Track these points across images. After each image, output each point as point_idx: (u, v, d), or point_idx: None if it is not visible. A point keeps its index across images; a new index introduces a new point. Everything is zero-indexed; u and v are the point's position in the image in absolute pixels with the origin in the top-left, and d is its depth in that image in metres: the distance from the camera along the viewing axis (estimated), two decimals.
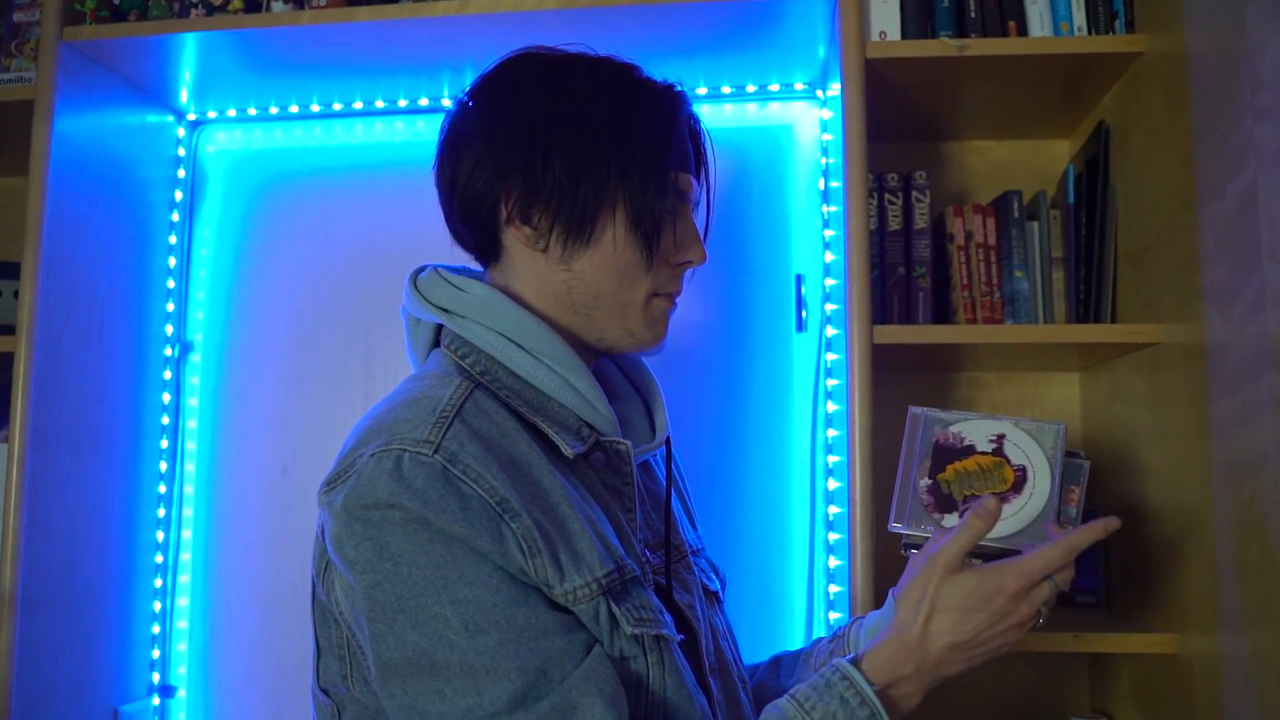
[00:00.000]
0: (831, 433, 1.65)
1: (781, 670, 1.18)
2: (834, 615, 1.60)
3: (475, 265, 1.08)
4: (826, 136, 1.77)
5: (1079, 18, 1.47)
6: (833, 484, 1.63)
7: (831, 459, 1.65)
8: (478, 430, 0.88)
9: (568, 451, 0.94)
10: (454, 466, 0.83)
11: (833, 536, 1.62)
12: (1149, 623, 1.42)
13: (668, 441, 1.11)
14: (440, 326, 1.02)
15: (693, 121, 1.05)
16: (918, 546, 1.11)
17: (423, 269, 1.06)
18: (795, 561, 1.76)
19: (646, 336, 1.03)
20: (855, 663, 0.91)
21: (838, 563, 1.59)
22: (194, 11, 1.63)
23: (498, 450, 0.88)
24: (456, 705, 0.78)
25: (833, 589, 1.61)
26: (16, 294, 1.62)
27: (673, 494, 1.10)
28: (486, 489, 0.83)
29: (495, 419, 0.91)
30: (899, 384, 1.65)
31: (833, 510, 1.63)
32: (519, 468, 0.89)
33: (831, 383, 1.66)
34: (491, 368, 0.96)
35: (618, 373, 1.13)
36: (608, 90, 1.00)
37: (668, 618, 0.93)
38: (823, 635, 1.23)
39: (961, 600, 0.91)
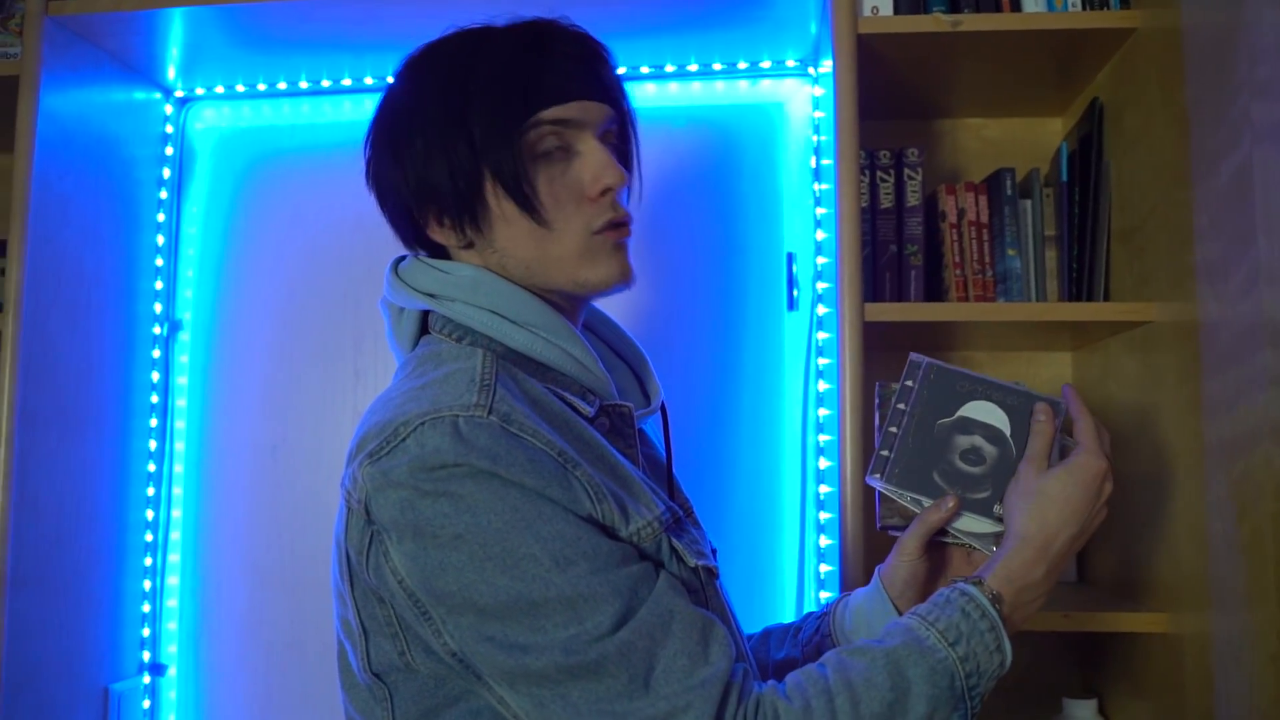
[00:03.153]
0: (823, 412, 1.65)
1: (771, 642, 1.17)
2: (824, 594, 1.59)
3: None
4: (818, 114, 1.76)
5: None
6: (824, 463, 1.63)
7: (823, 438, 1.64)
8: (518, 393, 0.89)
9: (586, 412, 0.95)
10: (510, 425, 0.84)
11: (823, 516, 1.62)
12: (1140, 602, 1.42)
13: (663, 406, 1.10)
14: (426, 313, 1.00)
15: (574, 46, 0.98)
16: (898, 524, 1.11)
17: (402, 258, 1.05)
18: (786, 540, 1.75)
19: (597, 278, 0.97)
20: (978, 582, 0.93)
21: (828, 542, 1.58)
22: None
23: (541, 408, 0.90)
24: (560, 636, 0.79)
25: (823, 568, 1.60)
26: (3, 272, 1.61)
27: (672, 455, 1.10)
28: (545, 442, 0.85)
29: (524, 384, 0.92)
30: (891, 363, 1.65)
31: (823, 489, 1.63)
32: (565, 423, 0.91)
33: (823, 361, 1.65)
34: (489, 346, 0.95)
35: (603, 346, 1.12)
36: (444, 62, 0.97)
37: (710, 549, 0.98)
38: (813, 610, 1.23)
39: (1069, 491, 0.99)
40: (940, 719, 0.84)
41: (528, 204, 0.93)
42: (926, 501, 1.07)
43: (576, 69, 0.96)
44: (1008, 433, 1.08)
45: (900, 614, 1.03)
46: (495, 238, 0.96)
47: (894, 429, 1.10)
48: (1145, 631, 1.37)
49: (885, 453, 1.10)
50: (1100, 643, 1.60)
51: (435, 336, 0.98)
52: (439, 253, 1.01)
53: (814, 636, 1.13)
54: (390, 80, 1.02)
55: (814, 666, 0.87)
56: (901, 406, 1.11)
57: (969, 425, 1.09)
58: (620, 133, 1.02)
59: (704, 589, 0.93)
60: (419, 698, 0.88)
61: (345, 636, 0.93)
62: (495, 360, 0.92)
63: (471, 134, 0.92)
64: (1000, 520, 1.04)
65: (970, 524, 1.06)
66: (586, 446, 0.91)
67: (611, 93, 0.99)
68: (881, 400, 1.14)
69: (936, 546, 1.10)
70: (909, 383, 1.12)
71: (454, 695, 0.87)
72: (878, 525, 1.15)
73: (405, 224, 1.01)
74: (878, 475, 1.10)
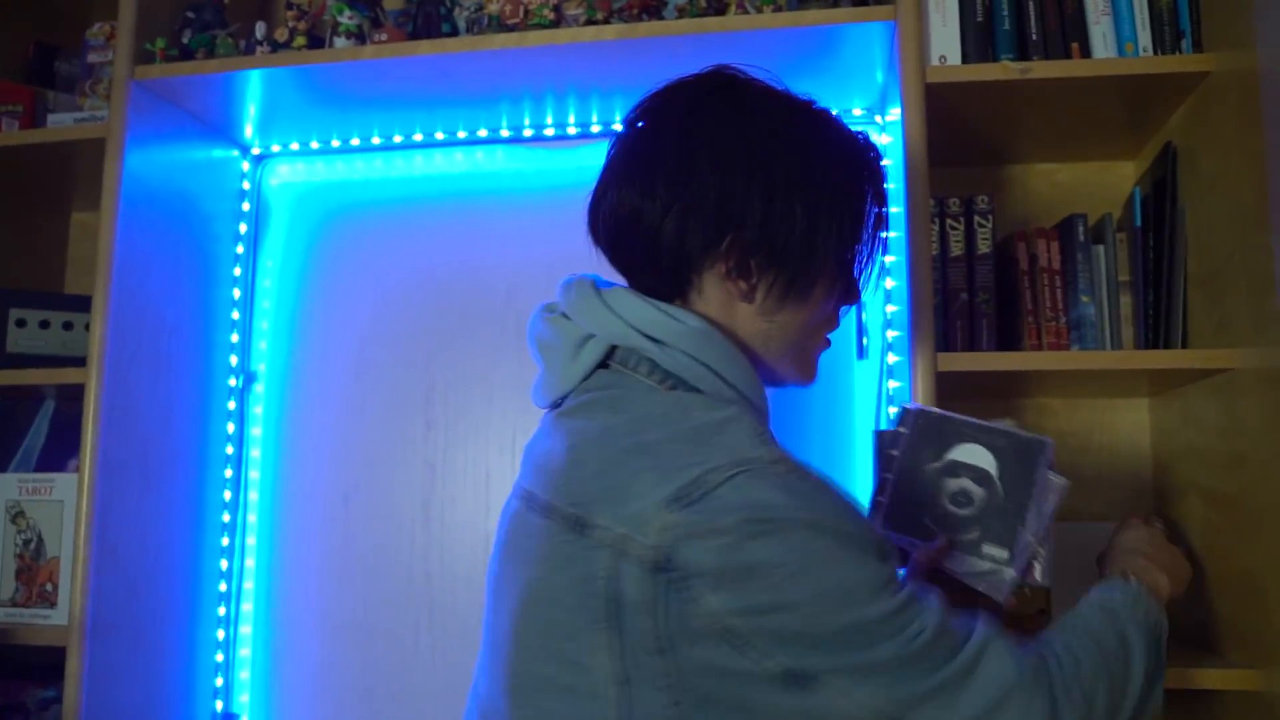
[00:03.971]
0: None
1: None
2: None
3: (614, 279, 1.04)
4: (886, 162, 1.75)
5: (1144, 38, 1.45)
6: None
7: None
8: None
9: None
10: (812, 476, 0.89)
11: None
12: (1230, 658, 1.38)
13: None
14: (611, 348, 0.98)
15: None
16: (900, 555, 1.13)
17: (594, 279, 1.01)
18: None
19: (809, 377, 1.07)
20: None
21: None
22: (259, 49, 1.66)
23: None
24: (887, 643, 0.84)
25: None
26: (87, 326, 1.65)
27: None
28: (836, 489, 0.90)
29: None
30: (964, 412, 1.63)
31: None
32: None
33: (894, 410, 1.63)
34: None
35: None
36: (831, 139, 1.01)
37: None
38: None
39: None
40: (1154, 662, 0.98)
41: (854, 298, 1.04)
42: (920, 544, 1.10)
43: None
44: (994, 474, 1.10)
45: None
46: (784, 313, 0.99)
47: (888, 475, 1.13)
48: (1234, 689, 1.32)
49: (880, 498, 1.13)
50: (1188, 700, 1.55)
51: (627, 374, 0.96)
52: (673, 291, 0.99)
53: None
54: (728, 111, 0.99)
55: (1041, 636, 0.97)
56: (894, 453, 1.13)
57: (957, 468, 1.11)
58: None
59: None
60: None
61: (564, 681, 0.88)
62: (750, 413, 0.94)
63: (858, 220, 1.00)
64: (990, 560, 1.09)
65: (961, 564, 1.09)
66: None
67: None
68: (879, 448, 1.16)
69: (942, 583, 1.10)
70: (901, 429, 1.15)
71: None
72: None
73: (683, 256, 0.97)
74: (874, 521, 1.12)
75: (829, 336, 1.07)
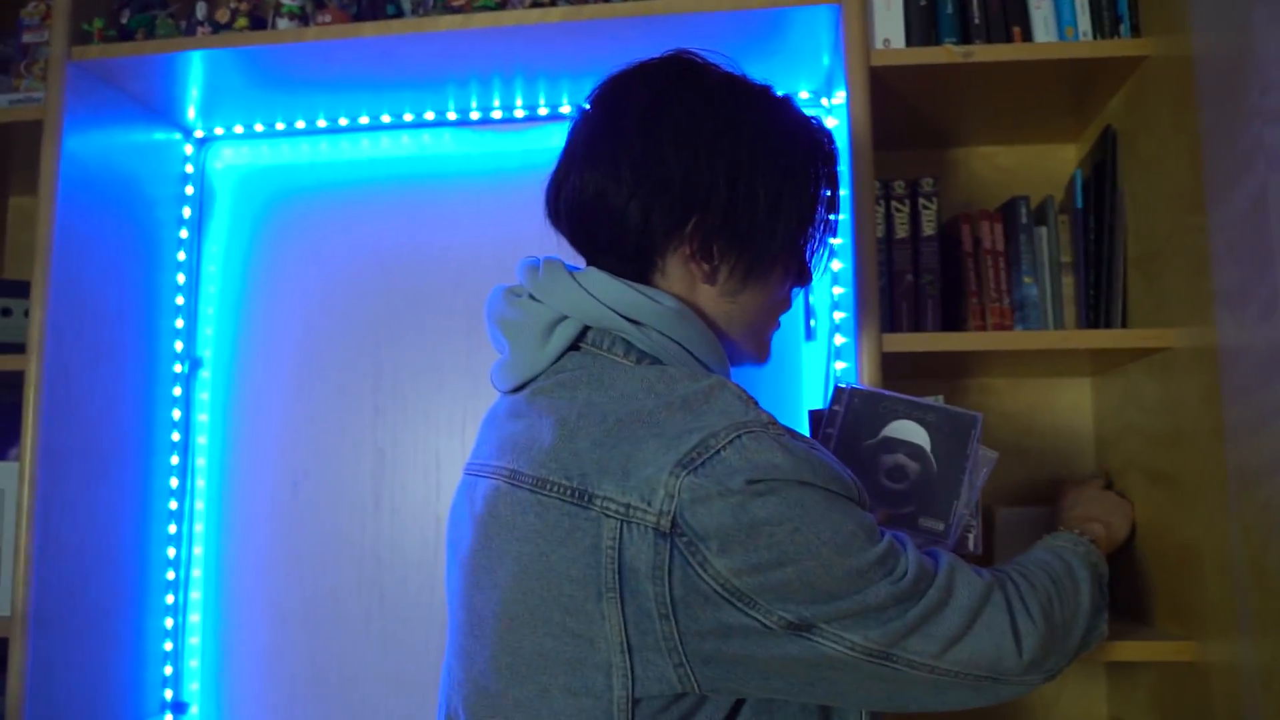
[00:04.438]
0: None
1: None
2: None
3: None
4: (837, 146, 1.76)
5: (1084, 22, 1.47)
6: None
7: None
8: None
9: None
10: (800, 437, 0.92)
11: None
12: (1167, 630, 1.41)
13: None
14: (584, 328, 0.98)
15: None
16: None
17: (561, 262, 1.01)
18: None
19: (764, 357, 1.10)
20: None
21: None
22: (200, 30, 1.63)
23: None
24: (881, 584, 0.89)
25: None
26: (27, 313, 1.62)
27: None
28: (824, 452, 0.93)
29: None
30: (909, 391, 1.65)
31: None
32: None
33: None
34: None
35: None
36: (791, 125, 1.02)
37: None
38: None
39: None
40: (1099, 595, 1.08)
41: (807, 278, 1.06)
42: None
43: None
44: (928, 448, 1.13)
45: None
46: (746, 294, 1.02)
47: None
48: (1172, 660, 1.36)
49: None
50: (1129, 671, 1.58)
51: (601, 354, 0.97)
52: (637, 272, 1.00)
53: None
54: (686, 96, 1.00)
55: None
56: (830, 431, 1.16)
57: (892, 444, 1.14)
58: None
59: None
60: (658, 716, 0.89)
61: (570, 655, 0.88)
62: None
63: (812, 207, 1.02)
64: (927, 533, 1.14)
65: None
66: None
67: None
68: (814, 428, 1.18)
69: None
70: (835, 408, 1.17)
71: (682, 713, 0.89)
72: None
73: (644, 238, 0.98)
74: None
75: (780, 318, 1.10)
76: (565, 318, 0.98)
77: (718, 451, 0.86)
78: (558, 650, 0.89)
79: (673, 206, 0.96)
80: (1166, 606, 1.42)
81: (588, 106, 1.04)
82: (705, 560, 0.85)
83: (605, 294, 0.97)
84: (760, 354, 1.09)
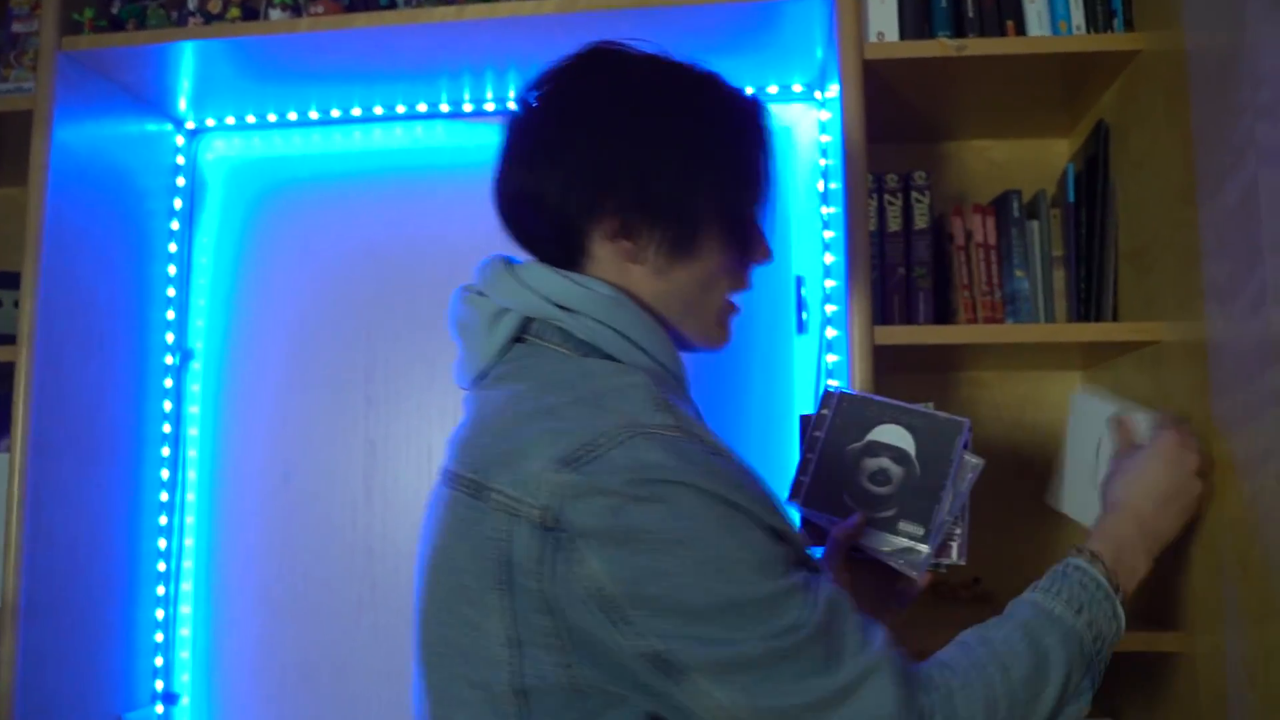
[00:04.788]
0: None
1: None
2: None
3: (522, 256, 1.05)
4: (825, 138, 1.77)
5: (1077, 16, 1.47)
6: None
7: None
8: (689, 414, 0.92)
9: None
10: (706, 445, 0.88)
11: None
12: (1157, 621, 1.42)
13: None
14: (526, 320, 0.99)
15: (772, 127, 1.07)
16: (817, 545, 1.15)
17: (505, 257, 1.03)
18: None
19: (718, 338, 1.06)
20: (1082, 552, 1.04)
21: None
22: (192, 20, 1.63)
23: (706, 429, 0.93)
24: (762, 630, 0.83)
25: None
26: (17, 304, 1.62)
27: None
28: (737, 460, 0.90)
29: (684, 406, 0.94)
30: (900, 384, 1.65)
31: None
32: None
33: (833, 384, 1.66)
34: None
35: None
36: (708, 99, 1.01)
37: None
38: None
39: (1149, 463, 1.15)
40: (1075, 682, 0.93)
41: (744, 251, 1.02)
42: (839, 521, 1.12)
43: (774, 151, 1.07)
44: (912, 453, 1.12)
45: None
46: (677, 271, 0.99)
47: (810, 455, 1.15)
48: (1162, 651, 1.36)
49: (802, 478, 1.15)
50: (1118, 662, 1.59)
51: (543, 345, 0.98)
52: (569, 259, 1.00)
53: None
54: (595, 81, 1.01)
55: (955, 644, 0.94)
56: (817, 434, 1.15)
57: (876, 448, 1.13)
58: None
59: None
60: (555, 713, 0.88)
61: (467, 646, 0.90)
62: (653, 380, 0.93)
63: (733, 169, 1.00)
64: (906, 537, 1.11)
65: (878, 540, 1.11)
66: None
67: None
68: (803, 430, 1.18)
69: (861, 564, 1.14)
70: (824, 411, 1.16)
71: (590, 711, 0.87)
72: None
73: (570, 222, 0.98)
74: (795, 498, 1.14)
75: (735, 300, 1.07)
76: (507, 311, 0.99)
77: (605, 451, 0.84)
78: (459, 640, 0.91)
79: (586, 188, 0.97)
80: (1156, 598, 1.43)
81: (516, 105, 1.05)
82: (582, 559, 0.84)
83: (541, 285, 0.98)
84: (713, 336, 1.06)
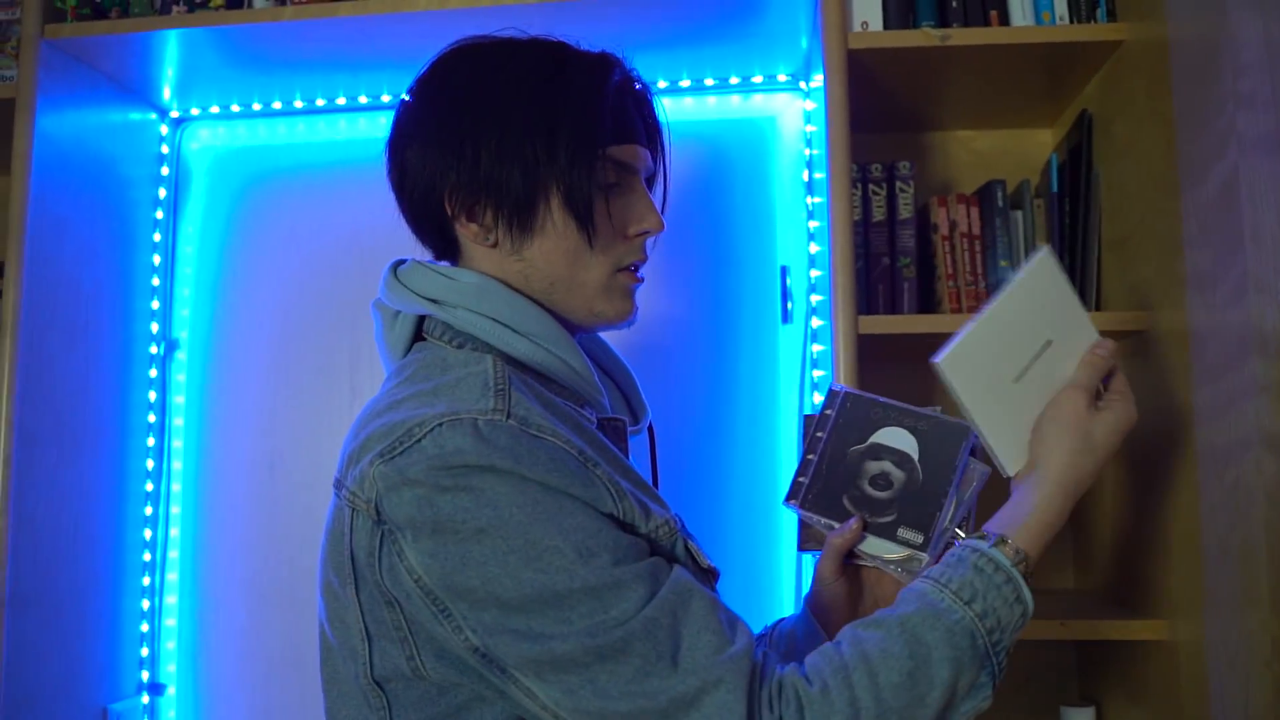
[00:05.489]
0: None
1: None
2: None
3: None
4: (810, 128, 1.77)
5: (1060, 6, 1.47)
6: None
7: None
8: (531, 396, 0.90)
9: (590, 421, 0.97)
10: (529, 427, 0.86)
11: None
12: (1138, 610, 1.43)
13: (650, 426, 1.13)
14: (422, 319, 1.00)
15: (634, 89, 1.04)
16: (815, 548, 1.13)
17: (401, 261, 1.05)
18: (783, 555, 1.76)
19: (611, 313, 1.02)
20: (983, 536, 0.92)
21: None
22: (175, 8, 1.62)
23: (555, 410, 0.92)
24: (585, 624, 0.80)
25: None
26: (0, 293, 1.61)
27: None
28: (565, 441, 0.87)
29: (534, 388, 0.93)
30: (885, 375, 1.66)
31: None
32: (578, 426, 0.92)
33: (818, 374, 1.66)
34: (492, 353, 0.95)
35: (592, 362, 1.13)
36: (530, 71, 0.99)
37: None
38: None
39: (1111, 440, 0.97)
40: (967, 680, 0.84)
41: (587, 224, 0.97)
42: (837, 525, 1.08)
43: (638, 113, 1.03)
44: (915, 457, 1.08)
45: (827, 635, 1.02)
46: (530, 248, 0.98)
47: (811, 456, 1.12)
48: (1143, 639, 1.38)
49: (801, 479, 1.12)
50: (1098, 650, 1.60)
51: (433, 343, 0.98)
52: (449, 250, 1.03)
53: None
54: (442, 69, 1.02)
55: (830, 644, 0.87)
56: (820, 435, 1.13)
57: (879, 451, 1.10)
58: (652, 180, 1.07)
59: (710, 585, 0.95)
60: (420, 706, 0.88)
61: (339, 641, 0.92)
62: (504, 365, 0.92)
63: (554, 145, 0.95)
64: (905, 545, 1.04)
65: (876, 547, 1.07)
66: (601, 448, 0.92)
67: (658, 140, 1.06)
68: (805, 430, 1.16)
69: (857, 569, 1.10)
70: (828, 411, 1.13)
71: (457, 705, 0.88)
72: (798, 549, 1.17)
73: (429, 211, 1.00)
74: (794, 500, 1.11)
75: (625, 267, 1.02)
76: (399, 313, 1.01)
77: (418, 440, 0.84)
78: (335, 634, 0.93)
79: (431, 172, 0.98)
80: (1136, 586, 1.44)
81: None
82: (402, 552, 0.84)
83: (415, 284, 1.00)
84: (598, 310, 1.01)
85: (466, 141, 0.96)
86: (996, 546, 0.90)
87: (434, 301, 0.98)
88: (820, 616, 1.08)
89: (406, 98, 1.03)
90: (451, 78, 1.01)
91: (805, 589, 1.67)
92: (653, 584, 0.83)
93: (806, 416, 1.19)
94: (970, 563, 0.89)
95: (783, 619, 1.16)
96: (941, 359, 1.02)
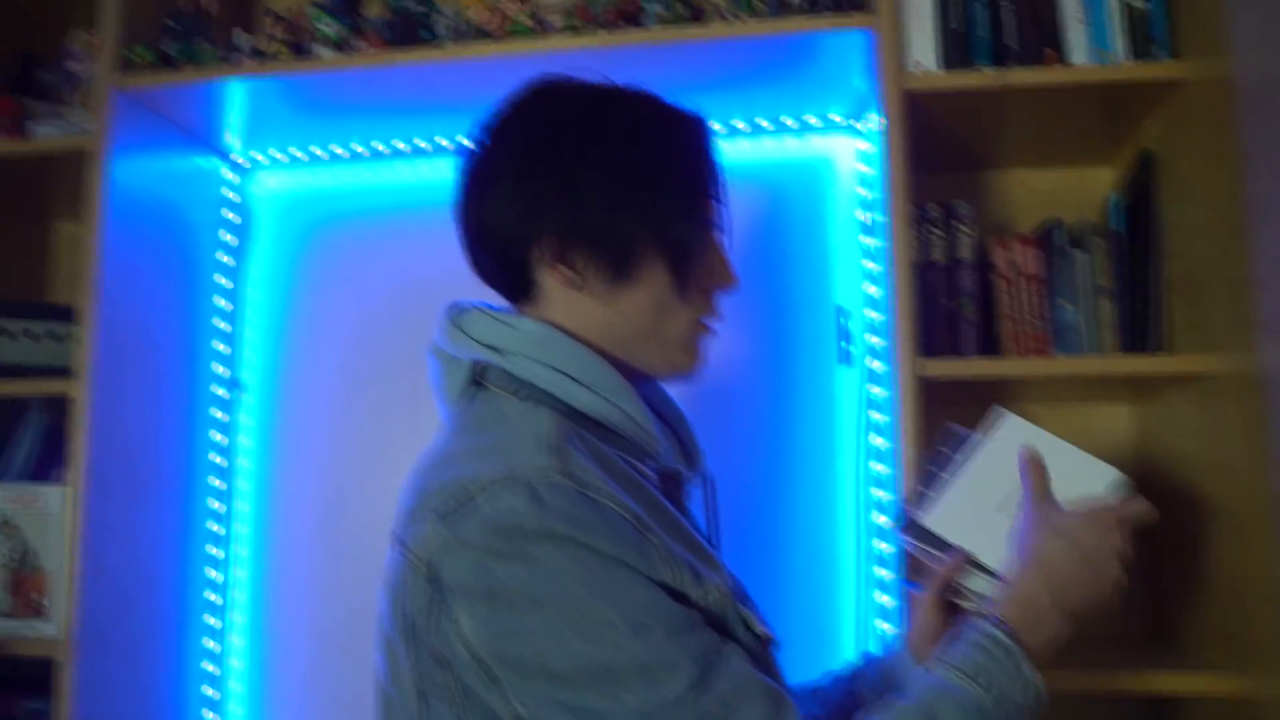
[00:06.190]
0: (879, 468, 1.64)
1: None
2: None
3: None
4: (865, 168, 1.76)
5: (1118, 43, 1.45)
6: (882, 519, 1.61)
7: (878, 493, 1.63)
8: (587, 454, 0.89)
9: (646, 475, 0.96)
10: (585, 489, 0.84)
11: (883, 574, 1.60)
12: (1212, 662, 1.38)
13: (710, 478, 1.12)
14: (481, 366, 0.99)
15: (715, 147, 1.05)
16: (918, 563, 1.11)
17: (460, 306, 1.04)
18: (844, 600, 1.73)
19: (687, 364, 1.03)
20: (986, 615, 0.95)
21: (889, 601, 1.57)
22: (241, 58, 1.66)
23: (611, 469, 0.90)
24: (635, 702, 0.79)
25: (885, 627, 1.59)
26: (75, 337, 1.65)
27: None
28: (620, 506, 0.85)
29: (591, 444, 0.92)
30: (946, 415, 1.64)
31: (884, 547, 1.61)
32: (634, 485, 0.91)
33: (876, 416, 1.64)
34: (552, 404, 0.94)
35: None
36: (638, 121, 1.00)
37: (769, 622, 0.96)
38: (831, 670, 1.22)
39: (1081, 530, 1.00)
40: None
41: (685, 274, 0.98)
42: (938, 556, 1.08)
43: (722, 171, 1.04)
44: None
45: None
46: (623, 296, 0.98)
47: (942, 472, 1.11)
48: (1218, 694, 1.33)
49: (927, 491, 1.11)
50: (1171, 706, 1.56)
51: (493, 391, 0.97)
52: (523, 293, 1.01)
53: (842, 698, 1.14)
54: (529, 111, 1.02)
55: None
56: (957, 456, 1.10)
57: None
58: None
59: (767, 659, 0.93)
60: None
61: (396, 693, 0.92)
62: (561, 419, 0.91)
63: (664, 196, 0.97)
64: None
65: (980, 584, 1.07)
66: (656, 509, 0.91)
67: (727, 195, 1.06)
68: (942, 442, 1.13)
69: (955, 606, 1.10)
70: (981, 433, 1.11)
71: None
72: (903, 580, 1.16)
73: (512, 253, 0.99)
74: (903, 523, 1.11)
75: (708, 323, 1.05)
76: (458, 360, 1.00)
77: (473, 502, 0.83)
78: (392, 691, 0.92)
79: (523, 215, 0.97)
80: (1212, 638, 1.40)
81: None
82: (456, 616, 0.83)
83: (475, 330, 0.99)
84: (678, 362, 1.03)
85: (568, 186, 0.95)
86: (997, 626, 0.93)
87: (494, 349, 0.97)
88: (916, 653, 1.09)
89: (486, 136, 1.02)
90: (543, 120, 1.00)
91: (870, 638, 1.65)
92: (705, 665, 0.82)
93: (948, 428, 1.16)
94: (970, 640, 0.92)
95: (874, 657, 1.15)
96: (929, 520, 1.11)
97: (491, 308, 1.03)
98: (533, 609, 0.81)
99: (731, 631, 0.89)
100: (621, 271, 0.96)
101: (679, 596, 0.86)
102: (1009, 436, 1.12)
